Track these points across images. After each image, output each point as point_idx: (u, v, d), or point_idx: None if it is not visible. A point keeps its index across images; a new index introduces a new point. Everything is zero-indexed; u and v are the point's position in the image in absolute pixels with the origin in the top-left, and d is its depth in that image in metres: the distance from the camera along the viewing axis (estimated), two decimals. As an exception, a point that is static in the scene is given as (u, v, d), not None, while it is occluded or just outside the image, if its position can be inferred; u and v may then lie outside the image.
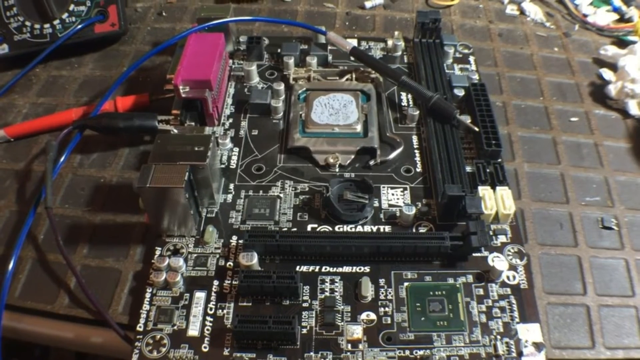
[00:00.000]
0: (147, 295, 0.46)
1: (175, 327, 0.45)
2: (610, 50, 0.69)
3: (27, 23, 0.65)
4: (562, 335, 0.46)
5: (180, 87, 0.55)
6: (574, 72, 0.68)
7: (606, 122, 0.63)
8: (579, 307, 0.48)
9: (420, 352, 0.44)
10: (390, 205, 0.53)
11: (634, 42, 0.69)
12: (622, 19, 0.76)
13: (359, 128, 0.57)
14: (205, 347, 0.44)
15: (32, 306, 0.48)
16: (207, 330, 0.45)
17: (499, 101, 0.64)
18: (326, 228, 0.51)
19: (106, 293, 0.48)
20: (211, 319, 0.45)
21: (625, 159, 0.59)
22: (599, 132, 0.61)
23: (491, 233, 0.51)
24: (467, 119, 0.57)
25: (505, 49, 0.71)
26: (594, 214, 0.54)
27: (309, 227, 0.51)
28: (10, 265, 0.48)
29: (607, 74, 0.67)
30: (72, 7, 0.66)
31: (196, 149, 0.49)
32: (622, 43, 0.72)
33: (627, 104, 0.63)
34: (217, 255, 0.49)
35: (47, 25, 0.65)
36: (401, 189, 0.54)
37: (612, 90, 0.64)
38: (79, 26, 0.66)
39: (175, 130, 0.55)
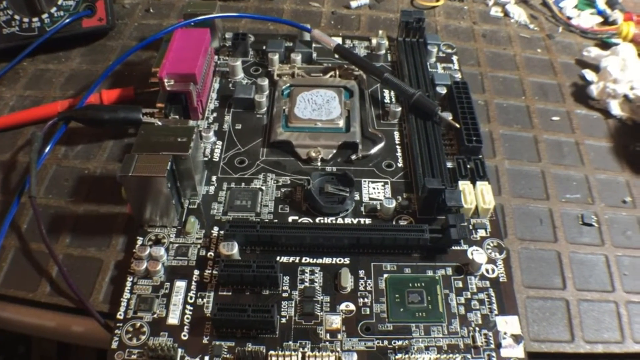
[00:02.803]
0: (128, 283, 0.47)
1: (155, 316, 0.45)
2: (593, 52, 0.69)
3: (16, 17, 0.65)
4: (541, 329, 0.47)
5: (165, 80, 0.55)
6: (557, 72, 0.69)
7: (587, 121, 0.63)
8: (558, 302, 0.48)
9: (399, 343, 0.44)
10: (371, 199, 0.53)
11: (617, 44, 0.69)
12: (606, 21, 0.76)
13: (341, 123, 0.58)
14: (184, 335, 0.44)
15: (14, 294, 0.48)
16: (187, 318, 0.45)
17: (481, 100, 0.64)
18: (307, 220, 0.51)
19: (87, 282, 0.48)
20: (191, 308, 0.45)
21: (606, 158, 0.60)
22: (580, 131, 0.62)
23: (471, 227, 0.51)
24: (448, 116, 0.58)
25: (488, 50, 0.71)
26: (574, 210, 0.55)
27: (290, 219, 0.51)
28: (-7, 254, 0.49)
29: (589, 74, 0.68)
30: (60, 1, 0.66)
31: (179, 140, 0.49)
32: (605, 45, 0.72)
33: (609, 104, 0.64)
34: (198, 246, 0.49)
35: (35, 19, 0.66)
36: (382, 183, 0.54)
37: (594, 90, 0.65)
38: (67, 20, 0.66)
39: (160, 123, 0.55)
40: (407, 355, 0.43)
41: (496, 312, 0.46)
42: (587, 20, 0.76)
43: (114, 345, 0.43)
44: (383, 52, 0.68)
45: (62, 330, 0.49)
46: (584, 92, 0.66)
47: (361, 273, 0.48)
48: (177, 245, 0.49)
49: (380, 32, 0.69)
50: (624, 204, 0.56)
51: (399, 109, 0.60)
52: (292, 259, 0.49)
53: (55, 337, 0.51)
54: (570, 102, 0.65)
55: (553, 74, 0.69)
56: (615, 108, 0.64)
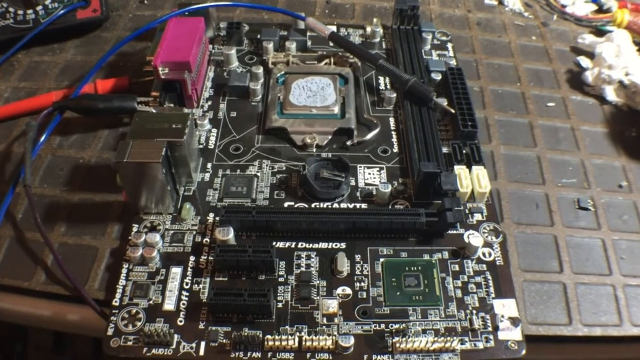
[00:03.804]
0: (124, 270, 0.47)
1: (151, 302, 0.45)
2: (587, 39, 0.69)
3: (11, 9, 0.65)
4: (538, 312, 0.47)
5: (160, 68, 0.55)
6: (552, 59, 0.69)
7: (583, 107, 0.63)
8: (555, 285, 0.48)
9: (396, 326, 0.44)
10: (366, 184, 0.53)
11: (611, 32, 0.69)
12: (601, 9, 0.76)
13: (336, 110, 0.58)
14: (180, 321, 0.44)
15: (9, 283, 0.47)
16: (183, 304, 0.45)
17: (476, 86, 0.64)
18: (303, 205, 0.51)
19: (83, 270, 0.48)
20: (187, 294, 0.45)
21: (601, 143, 0.60)
22: (576, 117, 0.62)
23: (467, 211, 0.51)
24: (443, 102, 0.58)
25: (483, 37, 0.71)
26: (570, 195, 0.55)
27: (285, 205, 0.51)
28: (-12, 243, 0.48)
29: (584, 61, 0.68)
30: (55, -8, 0.66)
31: (174, 126, 0.49)
32: (600, 33, 0.72)
33: (604, 90, 0.64)
34: (194, 232, 0.49)
35: (30, 11, 0.65)
36: (378, 169, 0.54)
37: (589, 76, 0.65)
38: (61, 12, 0.66)
39: (154, 111, 0.55)
40: (404, 339, 0.42)
41: (493, 295, 0.46)
42: (582, 8, 0.76)
43: (110, 331, 0.43)
44: (378, 40, 0.68)
45: (58, 318, 0.49)
46: (579, 78, 0.66)
47: (357, 257, 0.48)
48: (172, 231, 0.49)
49: (375, 20, 0.69)
50: (620, 189, 0.56)
51: (394, 95, 0.60)
52: (288, 244, 0.48)
53: (51, 326, 0.50)
54: (566, 88, 0.65)
55: (548, 61, 0.69)
56: (611, 94, 0.64)
